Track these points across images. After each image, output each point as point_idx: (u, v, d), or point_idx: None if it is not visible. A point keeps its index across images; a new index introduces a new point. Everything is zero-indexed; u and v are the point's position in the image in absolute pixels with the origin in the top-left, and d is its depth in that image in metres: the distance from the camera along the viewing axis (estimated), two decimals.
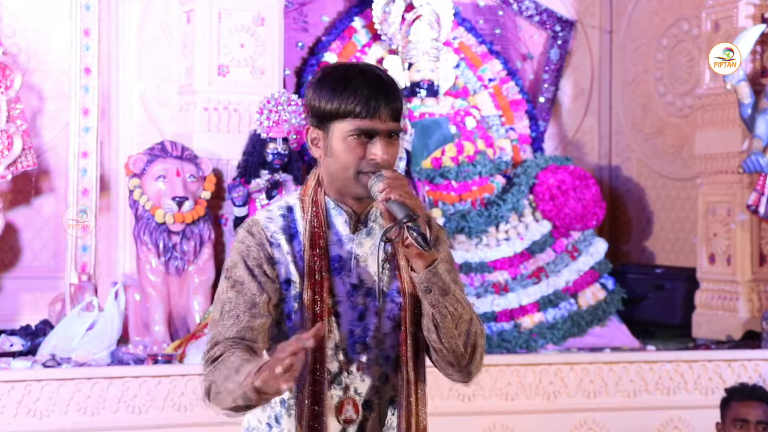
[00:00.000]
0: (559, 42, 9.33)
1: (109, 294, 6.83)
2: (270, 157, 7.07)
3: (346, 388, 2.93)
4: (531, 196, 7.87)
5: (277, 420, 2.98)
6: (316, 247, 2.92)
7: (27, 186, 7.51)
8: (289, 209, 3.00)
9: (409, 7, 8.28)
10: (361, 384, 2.94)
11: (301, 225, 2.96)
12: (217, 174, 7.23)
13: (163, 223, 6.86)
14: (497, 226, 7.70)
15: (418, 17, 8.22)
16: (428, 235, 2.79)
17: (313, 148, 2.97)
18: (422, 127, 7.85)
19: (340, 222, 2.97)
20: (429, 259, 2.82)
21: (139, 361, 6.41)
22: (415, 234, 2.74)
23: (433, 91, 8.18)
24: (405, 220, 2.75)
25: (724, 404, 5.70)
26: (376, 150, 2.87)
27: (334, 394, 2.92)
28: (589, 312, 7.60)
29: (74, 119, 7.32)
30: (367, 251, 2.96)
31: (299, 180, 7.12)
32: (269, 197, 6.98)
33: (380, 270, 2.91)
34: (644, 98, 9.28)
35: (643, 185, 9.29)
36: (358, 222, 2.97)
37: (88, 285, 7.23)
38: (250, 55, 7.46)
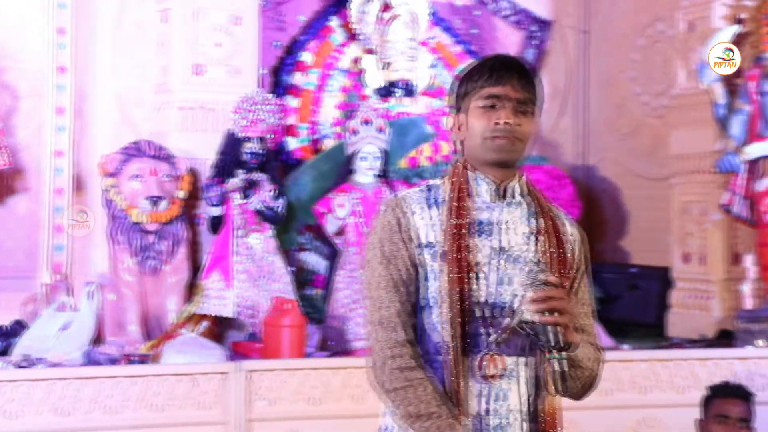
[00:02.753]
0: (535, 42, 9.36)
1: (83, 294, 6.80)
2: (246, 157, 7.05)
3: (491, 347, 2.99)
4: None
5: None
6: (458, 208, 3.02)
7: (0, 185, 7.47)
8: (429, 188, 3.12)
9: (386, 7, 8.29)
10: (504, 349, 3.00)
11: (447, 194, 3.07)
12: (193, 173, 7.21)
13: (138, 223, 6.84)
14: None
15: (394, 17, 8.23)
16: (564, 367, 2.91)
17: (456, 132, 3.12)
18: (399, 126, 7.85)
19: (484, 190, 3.07)
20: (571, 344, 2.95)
21: (113, 361, 6.38)
22: (553, 370, 2.89)
23: (409, 91, 8.20)
24: (551, 350, 2.88)
25: (707, 401, 5.76)
26: (500, 115, 3.00)
27: (477, 353, 2.99)
28: None
29: (49, 118, 7.30)
30: (515, 219, 3.06)
31: (275, 179, 7.11)
32: (245, 197, 6.96)
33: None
34: (619, 98, 9.31)
35: (618, 185, 9.31)
36: (502, 191, 3.07)
37: (62, 285, 7.20)
38: (226, 55, 7.44)
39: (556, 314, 2.87)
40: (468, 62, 3.21)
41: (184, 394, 5.98)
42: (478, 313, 2.99)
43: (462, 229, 3.00)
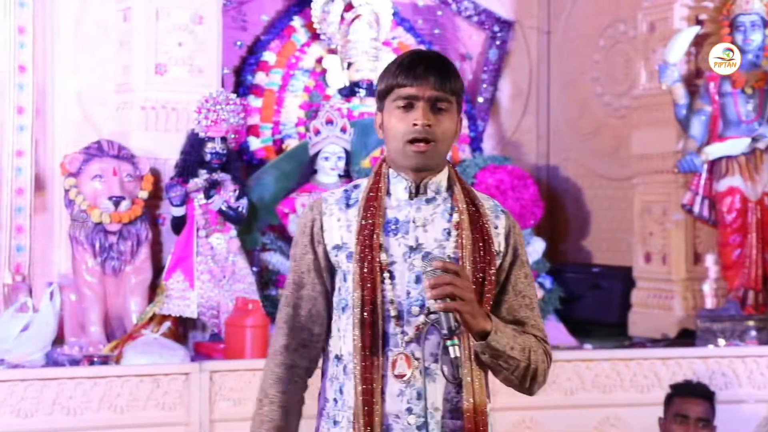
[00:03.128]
0: (498, 42, 9.38)
1: (44, 294, 6.76)
2: (208, 157, 7.02)
3: (403, 347, 2.96)
4: None
5: (341, 391, 3.03)
6: (369, 208, 3.00)
7: None
8: (355, 186, 3.10)
9: (348, 7, 8.29)
10: (417, 349, 2.96)
11: (363, 194, 3.05)
12: (155, 173, 7.18)
13: (100, 223, 6.80)
14: None
15: (357, 17, 8.23)
16: (460, 352, 2.86)
17: (379, 131, 3.08)
18: (362, 126, 7.84)
19: (399, 189, 3.05)
20: (478, 331, 2.89)
21: (74, 363, 6.34)
22: (450, 358, 2.83)
23: (372, 91, 8.18)
24: (445, 336, 2.84)
25: (668, 400, 5.80)
26: (417, 116, 2.94)
27: (390, 353, 2.96)
28: None
29: (9, 118, 7.23)
30: (427, 217, 3.02)
31: (237, 179, 7.09)
32: (207, 197, 6.94)
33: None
34: (582, 99, 9.35)
35: (580, 185, 9.35)
36: (418, 190, 3.03)
37: (23, 285, 7.15)
38: (188, 54, 7.40)
39: (447, 300, 2.81)
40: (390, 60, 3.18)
41: (147, 395, 5.95)
42: (392, 312, 2.96)
43: (372, 229, 2.97)
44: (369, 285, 2.94)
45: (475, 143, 8.79)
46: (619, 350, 7.11)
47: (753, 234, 7.41)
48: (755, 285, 7.40)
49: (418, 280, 2.96)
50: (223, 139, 7.04)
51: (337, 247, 3.02)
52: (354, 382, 2.95)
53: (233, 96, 7.20)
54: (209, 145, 7.01)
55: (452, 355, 2.82)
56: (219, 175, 7.01)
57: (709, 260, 7.79)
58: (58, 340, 6.74)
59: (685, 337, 7.54)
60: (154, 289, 6.95)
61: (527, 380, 3.04)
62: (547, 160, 9.59)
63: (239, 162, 7.45)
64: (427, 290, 2.83)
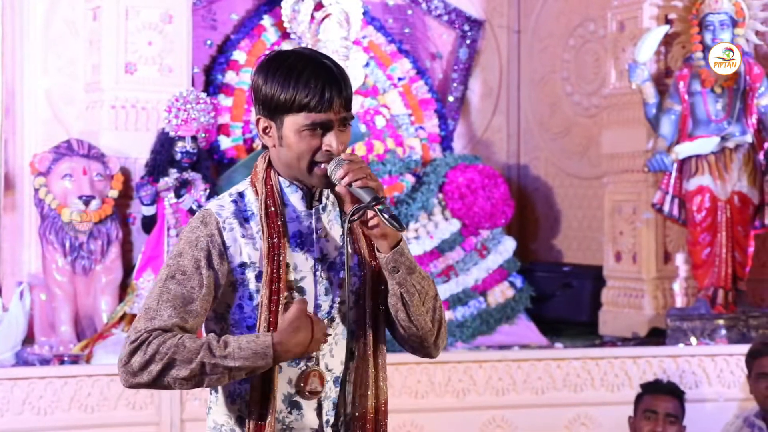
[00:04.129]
0: (468, 41, 9.39)
1: (14, 294, 6.75)
2: (178, 156, 7.01)
3: (316, 364, 2.90)
4: (440, 195, 7.90)
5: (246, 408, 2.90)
6: (273, 224, 2.87)
7: None
8: (240, 195, 2.95)
9: (318, 6, 8.27)
10: (331, 360, 2.92)
11: (255, 206, 2.92)
12: (125, 173, 7.16)
13: (70, 222, 6.78)
14: (407, 225, 7.71)
15: (327, 16, 8.21)
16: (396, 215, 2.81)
17: (264, 137, 2.92)
18: None
19: (296, 199, 2.93)
20: (394, 239, 2.85)
21: (44, 362, 6.32)
22: (386, 216, 2.77)
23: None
24: (373, 204, 2.77)
25: (638, 398, 5.83)
26: (331, 141, 2.85)
27: (300, 368, 2.89)
28: (498, 310, 7.66)
29: None
30: (326, 225, 2.95)
31: (208, 178, 7.09)
32: (178, 196, 6.93)
33: (346, 247, 2.86)
34: (552, 98, 9.37)
35: (550, 184, 9.38)
36: (312, 197, 2.94)
37: None
38: (158, 53, 7.39)
39: (361, 175, 2.80)
40: (275, 53, 2.96)
41: (117, 395, 5.93)
42: None
43: (278, 249, 2.86)
44: (275, 308, 2.84)
45: (446, 142, 8.80)
46: (590, 349, 7.14)
47: (723, 233, 7.44)
48: (725, 284, 7.43)
49: (327, 292, 2.92)
50: (194, 138, 7.03)
51: (244, 265, 2.87)
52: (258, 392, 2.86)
53: (203, 95, 7.20)
54: (179, 144, 7.00)
55: (388, 215, 2.77)
56: (189, 174, 7.00)
57: (679, 259, 7.83)
58: (28, 339, 6.72)
59: (656, 336, 7.57)
60: (124, 289, 6.93)
61: (435, 324, 2.95)
62: (518, 159, 9.61)
63: (210, 161, 7.44)
64: (344, 175, 2.79)
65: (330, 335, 2.90)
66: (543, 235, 9.37)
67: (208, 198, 6.94)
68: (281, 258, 2.86)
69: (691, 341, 7.10)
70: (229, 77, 8.35)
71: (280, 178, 2.94)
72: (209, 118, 7.13)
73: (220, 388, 2.92)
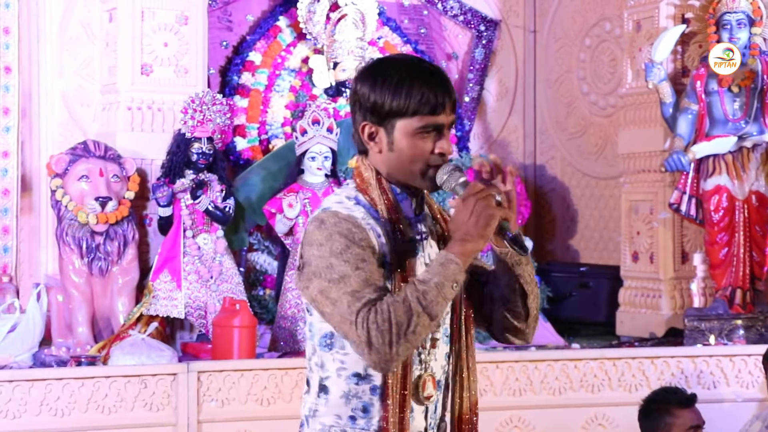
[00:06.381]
0: (484, 41, 9.38)
1: (31, 295, 6.75)
2: (194, 157, 7.02)
3: (425, 367, 2.98)
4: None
5: (365, 410, 2.93)
6: (398, 232, 2.94)
7: None
8: (358, 201, 2.97)
9: (334, 6, 8.28)
10: (434, 363, 3.01)
11: (372, 212, 2.95)
12: (141, 174, 7.17)
13: (86, 224, 6.79)
14: None
15: (342, 16, 8.22)
16: (524, 242, 3.04)
17: (370, 143, 3.01)
18: (348, 126, 7.78)
19: (406, 206, 3.00)
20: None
21: (61, 363, 6.33)
22: (516, 247, 3.01)
23: None
24: (510, 238, 2.99)
25: (662, 410, 5.52)
26: (445, 144, 2.94)
27: (414, 373, 2.96)
28: None
29: None
30: (429, 229, 3.05)
31: (224, 180, 7.08)
32: (194, 197, 6.93)
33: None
34: (568, 97, 9.35)
35: (567, 184, 9.36)
36: (418, 203, 3.03)
37: (10, 286, 7.14)
38: (173, 54, 7.40)
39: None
40: (379, 61, 3.07)
41: (134, 396, 5.93)
42: None
43: (405, 258, 2.93)
44: None
45: (462, 142, 8.80)
46: (607, 349, 7.10)
47: (740, 232, 7.41)
48: (743, 284, 7.40)
49: None
50: (210, 140, 7.03)
51: (386, 264, 2.91)
52: (390, 406, 2.90)
53: (219, 96, 7.20)
54: (195, 145, 7.00)
55: (516, 243, 3.00)
56: (205, 176, 7.01)
57: (697, 259, 7.80)
58: (45, 340, 6.72)
59: (673, 336, 7.54)
60: (141, 290, 6.93)
61: (537, 310, 3.19)
62: (534, 159, 9.59)
63: (225, 162, 7.44)
64: (458, 186, 2.91)
65: (436, 338, 3.01)
66: (559, 235, 9.35)
67: (224, 199, 6.94)
68: (410, 267, 2.93)
69: (709, 341, 7.06)
70: (245, 78, 8.36)
71: (391, 185, 3.00)
72: (225, 119, 7.13)
73: (331, 390, 2.94)
